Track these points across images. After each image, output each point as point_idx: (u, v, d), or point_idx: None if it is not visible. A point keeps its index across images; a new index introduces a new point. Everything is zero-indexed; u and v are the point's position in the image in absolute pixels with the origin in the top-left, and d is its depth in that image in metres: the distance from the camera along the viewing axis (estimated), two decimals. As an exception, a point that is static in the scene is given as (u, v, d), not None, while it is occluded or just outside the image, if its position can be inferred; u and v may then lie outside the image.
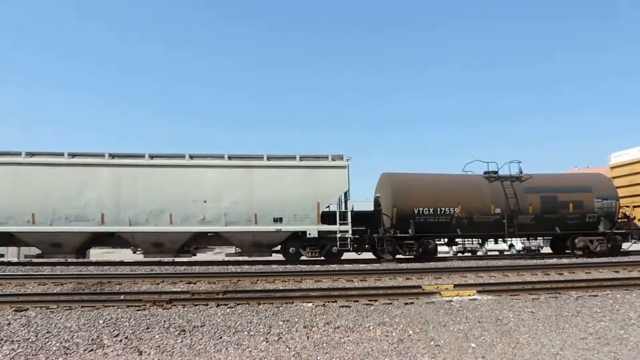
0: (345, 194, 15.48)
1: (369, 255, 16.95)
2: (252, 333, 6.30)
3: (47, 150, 14.94)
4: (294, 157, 15.57)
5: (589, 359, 5.28)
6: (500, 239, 16.90)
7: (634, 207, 18.15)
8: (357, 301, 8.08)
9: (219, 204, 14.88)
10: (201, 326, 6.59)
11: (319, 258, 15.23)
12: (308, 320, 6.88)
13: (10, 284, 10.20)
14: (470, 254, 25.36)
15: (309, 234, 15.06)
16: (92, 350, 5.62)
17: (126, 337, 6.06)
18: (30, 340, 5.92)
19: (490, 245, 22.20)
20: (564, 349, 5.61)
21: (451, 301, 8.11)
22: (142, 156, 15.13)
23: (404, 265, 13.97)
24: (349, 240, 15.17)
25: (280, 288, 9.75)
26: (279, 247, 15.52)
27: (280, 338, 6.09)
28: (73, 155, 14.87)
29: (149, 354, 5.50)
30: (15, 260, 18.14)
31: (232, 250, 18.07)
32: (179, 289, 9.70)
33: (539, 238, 22.39)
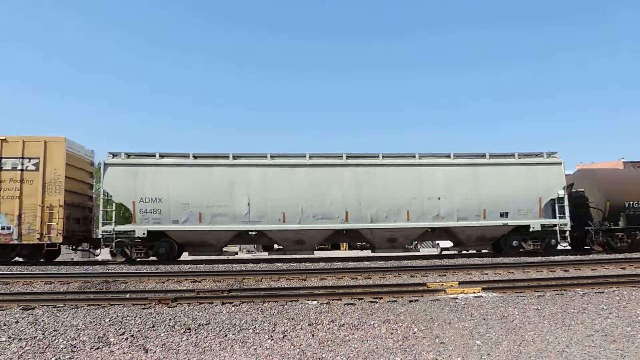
0: (564, 188, 16.48)
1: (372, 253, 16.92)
2: (257, 331, 6.31)
3: (286, 152, 15.99)
4: (512, 155, 16.59)
5: (596, 356, 5.25)
6: None
7: None
8: (362, 299, 8.08)
9: (451, 201, 15.81)
10: (206, 324, 6.61)
11: (539, 250, 16.23)
12: (313, 318, 6.88)
13: (18, 282, 10.29)
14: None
15: (532, 227, 16.03)
16: (98, 348, 5.65)
17: (132, 335, 6.09)
18: (38, 338, 5.97)
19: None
20: (570, 346, 5.58)
21: (456, 298, 8.09)
22: (376, 156, 16.13)
23: (408, 263, 13.96)
24: (567, 233, 16.23)
25: (285, 286, 9.77)
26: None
27: (285, 336, 6.10)
28: (312, 156, 15.87)
29: (155, 352, 5.52)
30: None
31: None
32: (184, 288, 9.74)
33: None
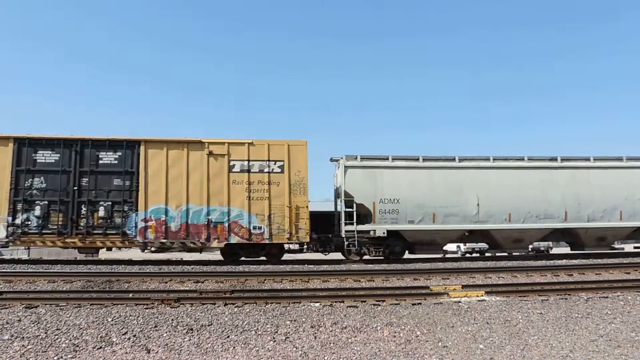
0: None
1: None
2: (260, 332, 6.30)
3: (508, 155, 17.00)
4: None
5: (600, 361, 5.21)
6: None
7: None
8: (365, 301, 8.06)
9: None
10: (209, 325, 6.60)
11: None
12: (315, 320, 6.87)
13: (21, 281, 10.31)
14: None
15: None
16: (100, 347, 5.65)
17: (134, 335, 6.10)
18: (40, 337, 5.97)
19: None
20: (574, 351, 5.54)
21: (459, 302, 8.05)
22: (587, 159, 16.94)
23: (411, 266, 13.92)
24: None
25: (288, 288, 9.76)
26: None
27: (288, 338, 6.09)
28: (529, 159, 16.76)
29: (157, 352, 5.52)
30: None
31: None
32: (187, 288, 9.74)
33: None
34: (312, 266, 13.97)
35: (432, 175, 15.97)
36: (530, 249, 26.19)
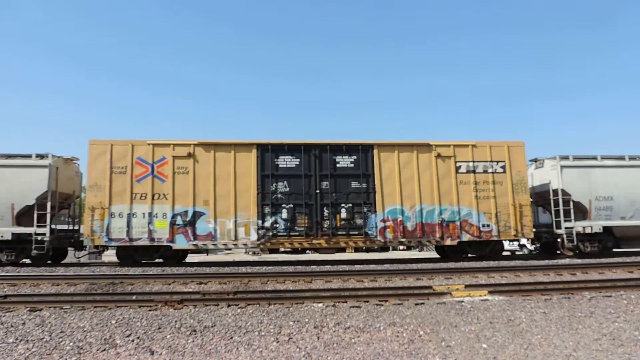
0: None
1: (376, 255, 16.88)
2: (263, 333, 6.32)
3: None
4: None
5: (603, 360, 5.21)
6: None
7: None
8: (368, 301, 8.06)
9: None
10: (212, 326, 6.62)
11: None
12: (318, 321, 6.88)
13: (25, 284, 10.35)
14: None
15: None
16: (104, 350, 5.67)
17: (138, 337, 6.12)
18: (45, 340, 6.00)
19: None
20: (577, 350, 5.54)
21: (462, 302, 8.05)
22: None
23: (414, 266, 13.92)
24: None
25: (291, 288, 9.76)
26: None
27: (291, 338, 6.10)
28: None
29: (161, 354, 5.54)
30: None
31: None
32: (190, 290, 9.77)
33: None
34: (314, 267, 13.99)
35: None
36: None
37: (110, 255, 26.03)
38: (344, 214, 15.16)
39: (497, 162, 16.17)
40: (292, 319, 6.97)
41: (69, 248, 16.57)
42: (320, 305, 7.88)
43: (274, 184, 15.08)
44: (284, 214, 14.96)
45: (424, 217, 15.47)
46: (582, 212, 16.54)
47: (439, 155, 15.88)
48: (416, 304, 7.87)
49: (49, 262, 15.55)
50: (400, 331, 6.37)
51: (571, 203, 16.26)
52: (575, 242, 15.93)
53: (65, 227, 17.12)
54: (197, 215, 14.77)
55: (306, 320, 6.93)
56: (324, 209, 15.15)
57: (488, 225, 15.73)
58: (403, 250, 29.63)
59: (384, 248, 18.61)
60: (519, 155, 16.30)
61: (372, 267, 13.76)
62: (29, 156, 14.77)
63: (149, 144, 14.95)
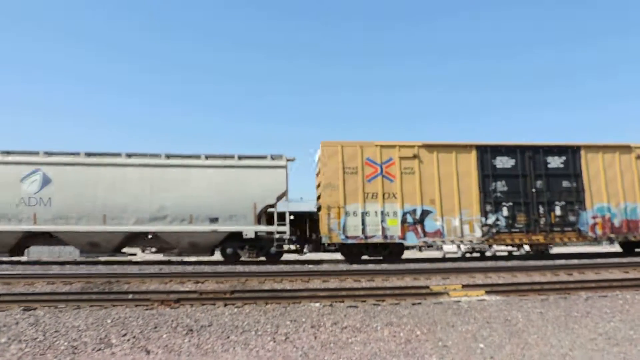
0: None
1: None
2: (260, 333, 6.29)
3: None
4: None
5: (599, 359, 5.22)
6: None
7: None
8: (365, 301, 8.05)
9: None
10: (209, 326, 6.59)
11: None
12: (315, 320, 6.86)
13: (19, 283, 10.29)
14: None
15: None
16: (100, 349, 5.63)
17: (134, 337, 6.08)
18: (39, 339, 5.95)
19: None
20: (573, 350, 5.54)
21: (459, 302, 8.05)
22: None
23: (411, 266, 13.92)
24: None
25: (288, 288, 9.75)
26: None
27: (288, 338, 6.08)
28: None
29: (157, 353, 5.51)
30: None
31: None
32: (187, 289, 9.73)
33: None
34: (312, 266, 13.97)
35: None
36: None
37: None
38: (558, 212, 16.21)
39: None
40: (289, 319, 6.95)
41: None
42: (318, 304, 7.86)
43: (493, 184, 16.08)
44: (505, 212, 15.96)
45: (628, 214, 16.48)
46: None
47: (638, 157, 16.85)
48: (413, 304, 7.87)
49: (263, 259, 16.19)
50: (397, 331, 6.36)
51: None
52: None
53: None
54: (425, 213, 15.64)
55: (303, 319, 6.91)
56: (539, 206, 16.16)
57: None
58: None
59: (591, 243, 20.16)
60: None
61: (369, 266, 13.76)
62: (265, 157, 15.66)
63: (376, 146, 15.76)
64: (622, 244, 18.57)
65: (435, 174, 15.75)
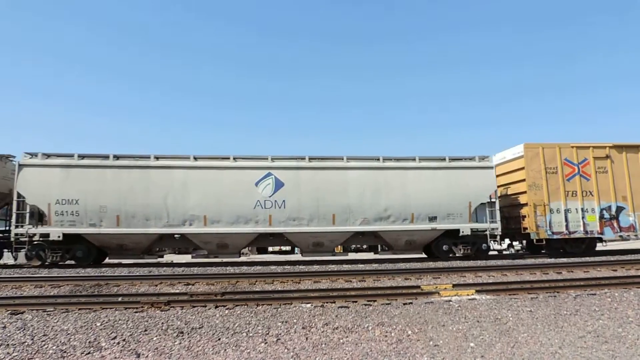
0: None
1: (365, 255, 16.92)
2: (251, 334, 6.27)
3: None
4: None
5: (588, 357, 5.27)
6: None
7: None
8: (356, 302, 8.06)
9: None
10: (199, 328, 6.55)
11: None
12: (307, 321, 6.85)
13: (7, 286, 10.15)
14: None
15: None
16: (89, 353, 5.58)
17: (124, 340, 6.03)
18: (27, 343, 5.87)
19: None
20: (563, 348, 5.60)
21: (450, 301, 8.09)
22: None
23: (402, 266, 13.96)
24: None
25: (279, 289, 9.72)
26: None
27: (279, 339, 6.06)
28: None
29: (147, 356, 5.47)
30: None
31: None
32: (177, 291, 9.67)
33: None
34: (303, 267, 13.96)
35: None
36: None
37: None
38: None
39: None
40: (280, 320, 6.94)
41: None
42: (309, 305, 7.85)
43: None
44: None
45: None
46: None
47: None
48: (404, 304, 7.89)
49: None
50: (389, 331, 6.37)
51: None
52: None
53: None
54: (618, 209, 16.81)
55: (294, 320, 6.90)
56: None
57: None
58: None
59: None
60: None
61: (360, 267, 13.78)
62: (473, 158, 16.32)
63: (572, 147, 16.91)
64: None
65: (625, 173, 17.01)
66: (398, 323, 6.74)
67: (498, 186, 16.55)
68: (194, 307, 7.79)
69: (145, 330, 6.42)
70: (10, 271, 13.17)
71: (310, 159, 15.61)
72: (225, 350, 5.67)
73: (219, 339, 6.07)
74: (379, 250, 17.30)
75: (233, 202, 14.88)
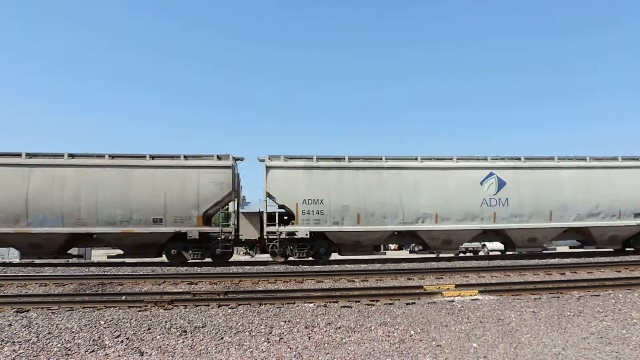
0: None
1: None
2: (254, 333, 6.29)
3: None
4: None
5: (591, 358, 5.25)
6: None
7: None
8: (359, 301, 8.06)
9: None
10: (202, 327, 6.58)
11: None
12: (309, 321, 6.86)
13: (12, 285, 10.21)
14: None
15: None
16: (93, 351, 5.61)
17: (127, 338, 6.06)
18: (32, 341, 5.92)
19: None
20: (566, 349, 5.58)
21: (453, 301, 8.08)
22: None
23: (405, 266, 13.95)
24: None
25: (282, 288, 9.74)
26: None
27: (282, 338, 6.08)
28: None
29: (150, 354, 5.49)
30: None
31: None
32: (181, 290, 9.70)
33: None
34: (305, 267, 13.97)
35: None
36: None
37: (99, 256, 25.81)
38: None
39: None
40: (283, 319, 6.95)
41: None
42: (312, 305, 7.86)
43: None
44: None
45: None
46: None
47: None
48: (407, 304, 7.89)
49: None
50: (391, 331, 6.38)
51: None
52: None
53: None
54: None
55: (297, 320, 6.91)
56: None
57: None
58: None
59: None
60: None
61: (363, 267, 13.78)
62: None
63: None
64: None
65: None
66: (401, 323, 6.74)
67: None
68: (197, 306, 7.81)
69: (149, 329, 6.45)
70: (15, 269, 13.25)
71: (526, 159, 16.46)
72: (228, 349, 5.69)
73: (222, 338, 6.09)
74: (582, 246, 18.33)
75: (461, 200, 15.67)
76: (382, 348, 5.68)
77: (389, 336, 6.15)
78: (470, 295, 8.56)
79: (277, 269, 13.52)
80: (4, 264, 14.62)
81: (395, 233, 15.86)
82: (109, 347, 5.76)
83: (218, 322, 6.84)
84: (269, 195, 15.13)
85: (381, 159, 15.76)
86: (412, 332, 6.31)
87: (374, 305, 7.87)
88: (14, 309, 7.54)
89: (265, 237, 14.96)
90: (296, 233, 14.96)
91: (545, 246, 17.71)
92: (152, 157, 14.90)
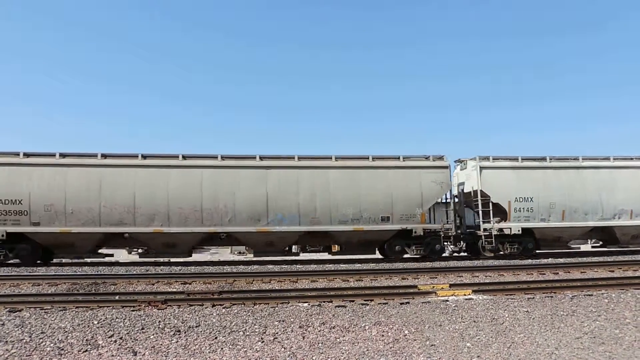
0: None
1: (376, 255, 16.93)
2: (248, 333, 6.28)
3: None
4: None
5: (584, 358, 5.28)
6: None
7: None
8: (353, 301, 8.07)
9: None
10: (196, 326, 6.56)
11: None
12: (304, 320, 6.86)
13: (4, 284, 10.14)
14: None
15: None
16: (86, 350, 5.57)
17: (121, 338, 6.03)
18: (24, 340, 5.87)
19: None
20: (559, 349, 5.61)
21: (447, 301, 8.11)
22: None
23: (400, 265, 13.99)
24: None
25: (276, 288, 9.74)
26: None
27: (276, 338, 6.07)
28: None
29: (144, 354, 5.46)
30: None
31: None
32: (174, 289, 9.67)
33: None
34: (300, 266, 13.97)
35: None
36: None
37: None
38: None
39: None
40: (277, 319, 6.94)
41: None
42: (306, 304, 7.86)
43: None
44: None
45: None
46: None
47: None
48: (401, 303, 7.91)
49: None
50: (386, 330, 6.38)
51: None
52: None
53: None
54: None
55: (291, 319, 6.91)
56: None
57: None
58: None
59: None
60: None
61: (357, 266, 13.80)
62: None
63: None
64: None
65: None
66: (395, 323, 6.75)
67: None
68: (191, 305, 7.80)
69: (142, 329, 6.42)
70: (8, 269, 13.16)
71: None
72: (222, 349, 5.67)
73: (216, 338, 6.07)
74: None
75: None
76: (376, 347, 5.68)
77: (383, 336, 6.16)
78: (464, 294, 8.59)
79: (271, 268, 13.51)
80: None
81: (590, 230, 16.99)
82: (102, 346, 5.73)
83: (212, 321, 6.82)
84: (483, 194, 16.02)
85: (578, 159, 17.15)
86: (406, 332, 6.32)
87: (368, 304, 7.88)
88: (7, 309, 7.49)
89: (481, 233, 16.13)
90: (509, 229, 16.04)
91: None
92: (374, 158, 15.89)
